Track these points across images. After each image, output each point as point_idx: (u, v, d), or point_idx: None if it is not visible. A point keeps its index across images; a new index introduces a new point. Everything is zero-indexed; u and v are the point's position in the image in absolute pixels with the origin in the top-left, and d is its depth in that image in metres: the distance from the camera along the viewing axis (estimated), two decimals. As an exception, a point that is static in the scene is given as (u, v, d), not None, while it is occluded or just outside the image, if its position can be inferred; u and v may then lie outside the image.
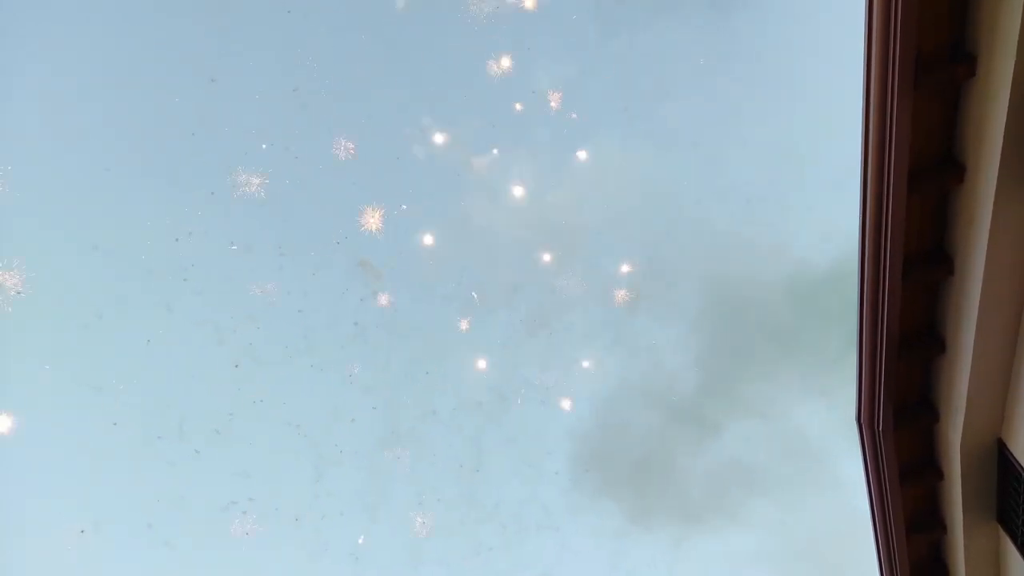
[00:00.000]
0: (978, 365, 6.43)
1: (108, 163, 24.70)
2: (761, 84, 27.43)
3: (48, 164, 24.31)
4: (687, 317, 28.73)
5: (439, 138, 25.97)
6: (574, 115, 26.24)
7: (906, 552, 8.12)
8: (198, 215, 24.70)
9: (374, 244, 25.88)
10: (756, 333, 28.12)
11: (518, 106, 25.55)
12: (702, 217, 28.16)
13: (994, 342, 6.32)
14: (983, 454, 7.01)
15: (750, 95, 27.46)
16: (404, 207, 25.45)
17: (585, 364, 28.36)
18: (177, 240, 24.51)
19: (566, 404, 28.28)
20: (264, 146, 24.24)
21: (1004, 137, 5.27)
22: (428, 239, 26.40)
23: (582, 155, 26.99)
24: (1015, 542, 7.13)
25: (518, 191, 26.88)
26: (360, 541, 26.70)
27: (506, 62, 24.22)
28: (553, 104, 25.29)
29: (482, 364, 27.73)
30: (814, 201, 27.37)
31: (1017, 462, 6.66)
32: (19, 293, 22.75)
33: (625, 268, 27.57)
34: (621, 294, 27.49)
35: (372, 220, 24.53)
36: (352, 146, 24.26)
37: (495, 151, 26.61)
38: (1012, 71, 5.02)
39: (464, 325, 27.11)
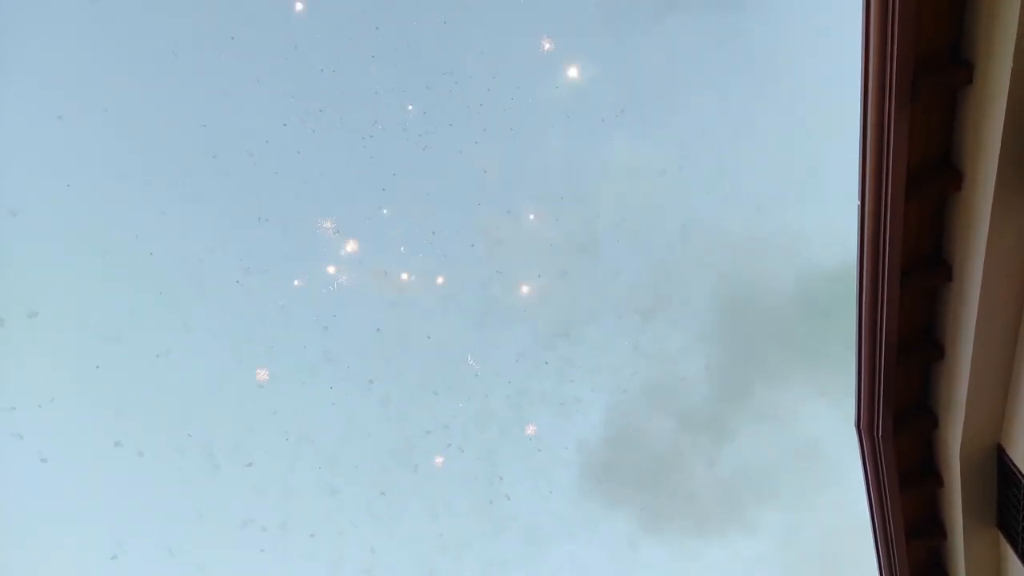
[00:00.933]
0: (977, 371, 6.42)
1: (132, 184, 24.91)
2: (766, 87, 27.45)
3: (67, 176, 24.45)
4: (698, 323, 28.74)
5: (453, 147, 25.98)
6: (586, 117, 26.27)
7: (906, 558, 8.10)
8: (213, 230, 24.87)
9: (393, 253, 25.98)
10: (767, 338, 28.14)
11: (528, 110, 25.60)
12: (713, 221, 28.18)
13: (993, 348, 6.31)
14: (983, 460, 6.99)
15: (757, 97, 27.48)
16: (431, 231, 25.48)
17: (598, 373, 28.36)
18: (201, 261, 24.66)
19: (578, 415, 28.30)
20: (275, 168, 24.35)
21: (1002, 143, 5.27)
22: (444, 250, 26.43)
23: (597, 158, 27.02)
24: (1015, 549, 7.11)
25: (532, 199, 26.88)
26: (372, 550, 26.65)
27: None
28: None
29: (498, 375, 27.73)
30: (824, 203, 27.33)
31: (1017, 468, 6.64)
32: (35, 314, 22.97)
33: (637, 277, 27.60)
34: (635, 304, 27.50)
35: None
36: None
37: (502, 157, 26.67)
38: (1009, 78, 5.02)
39: (473, 354, 27.14)
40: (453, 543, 27.36)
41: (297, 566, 26.41)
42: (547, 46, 24.86)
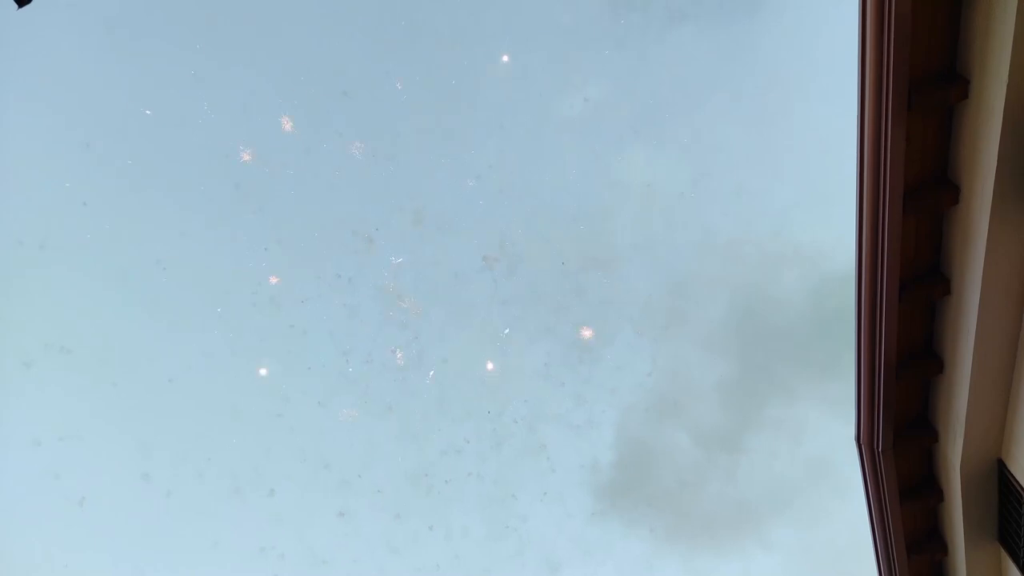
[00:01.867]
0: (977, 385, 6.42)
1: (153, 200, 25.00)
2: (776, 97, 27.54)
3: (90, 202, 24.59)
4: (711, 338, 28.70)
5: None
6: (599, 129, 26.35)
7: (907, 573, 8.06)
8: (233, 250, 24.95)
9: (408, 275, 26.00)
10: (780, 351, 28.10)
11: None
12: (726, 232, 28.22)
13: (992, 361, 6.31)
14: (983, 474, 6.98)
15: (768, 108, 27.56)
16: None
17: (612, 392, 28.33)
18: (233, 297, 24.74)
19: (592, 433, 28.22)
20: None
21: (998, 158, 5.30)
22: (461, 265, 26.45)
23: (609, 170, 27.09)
24: (1016, 563, 7.09)
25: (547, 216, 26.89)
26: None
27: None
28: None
29: (512, 394, 27.68)
30: (834, 212, 27.34)
31: (1017, 482, 6.63)
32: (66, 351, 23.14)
33: (652, 293, 27.59)
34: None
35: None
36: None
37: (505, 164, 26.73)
38: (1004, 93, 5.06)
39: (490, 366, 27.07)
40: (469, 566, 27.25)
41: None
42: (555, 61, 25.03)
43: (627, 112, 27.00)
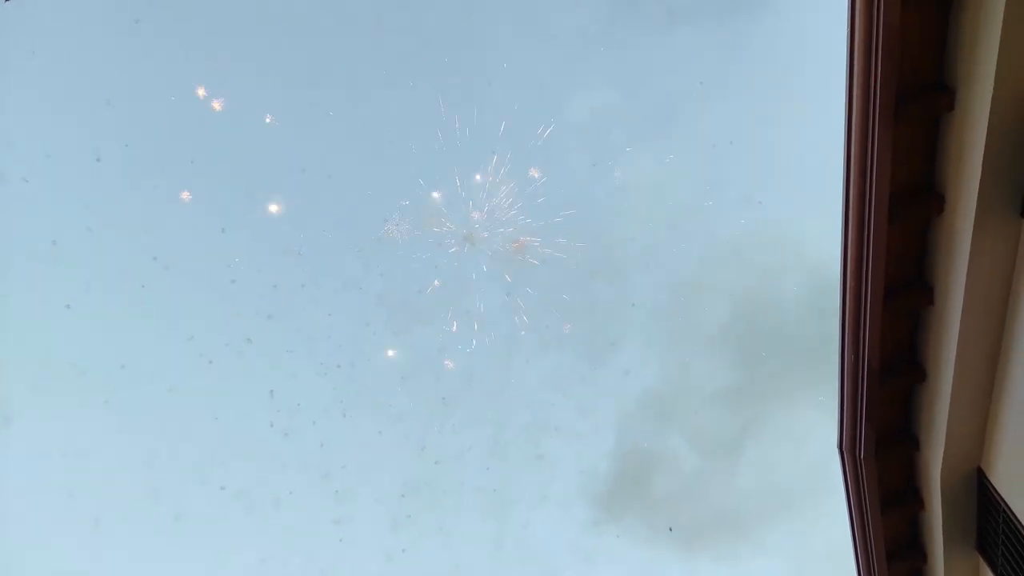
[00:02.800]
0: (958, 394, 6.46)
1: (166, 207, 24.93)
2: (776, 99, 27.60)
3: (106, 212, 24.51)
4: (712, 339, 28.77)
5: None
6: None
7: (887, 580, 8.10)
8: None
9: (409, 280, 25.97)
10: (781, 353, 28.16)
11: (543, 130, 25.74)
12: (727, 235, 28.28)
13: (973, 371, 6.35)
14: (963, 483, 7.01)
15: (767, 110, 27.63)
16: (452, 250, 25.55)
17: (612, 397, 28.38)
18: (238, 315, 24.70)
19: (592, 439, 28.25)
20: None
21: (982, 168, 5.33)
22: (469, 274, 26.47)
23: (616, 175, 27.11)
24: (994, 571, 7.13)
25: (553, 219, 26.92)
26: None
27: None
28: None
29: (514, 402, 27.69)
30: (829, 215, 27.26)
31: (996, 491, 6.67)
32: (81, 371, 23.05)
33: (655, 300, 27.59)
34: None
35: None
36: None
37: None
38: (989, 104, 5.09)
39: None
40: (469, 574, 27.29)
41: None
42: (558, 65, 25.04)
43: (628, 115, 27.06)
